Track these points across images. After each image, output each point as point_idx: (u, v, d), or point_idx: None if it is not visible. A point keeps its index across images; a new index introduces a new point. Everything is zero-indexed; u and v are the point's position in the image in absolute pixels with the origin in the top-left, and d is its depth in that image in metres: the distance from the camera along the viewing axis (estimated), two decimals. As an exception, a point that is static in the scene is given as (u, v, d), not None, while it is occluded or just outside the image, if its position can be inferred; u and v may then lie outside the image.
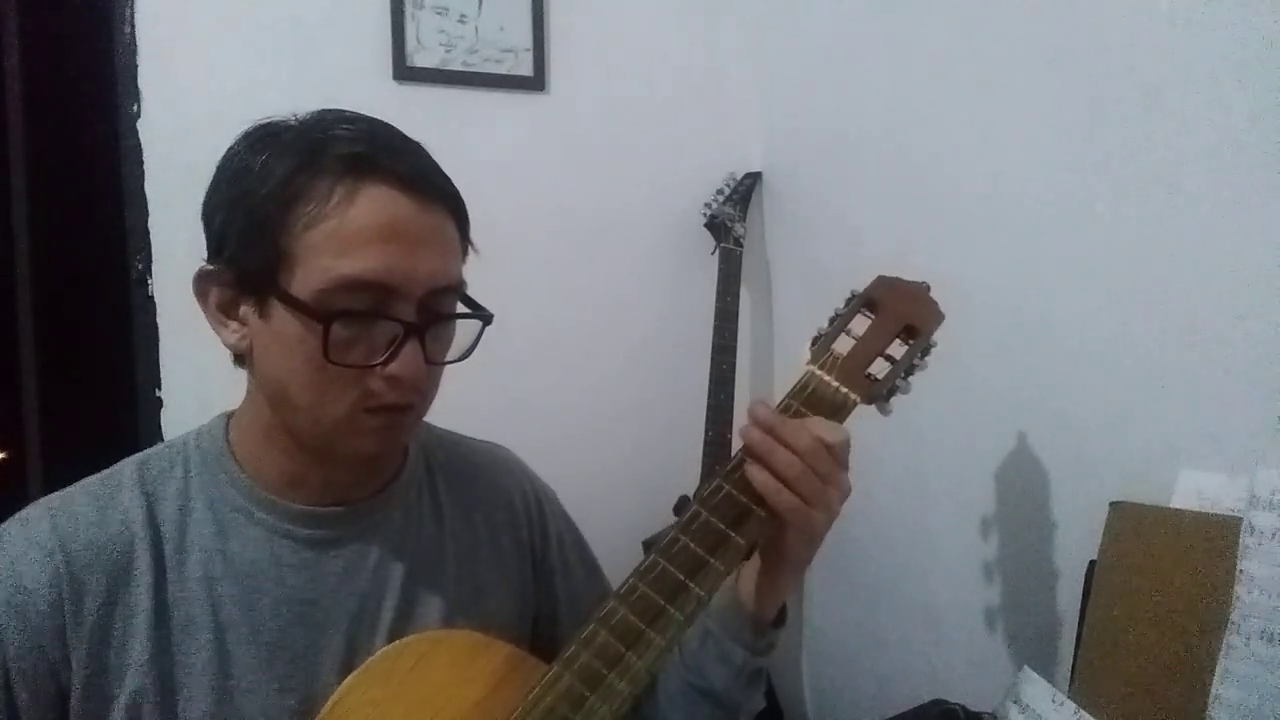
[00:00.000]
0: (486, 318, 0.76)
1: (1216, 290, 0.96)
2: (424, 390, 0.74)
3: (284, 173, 0.68)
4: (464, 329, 0.77)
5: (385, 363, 0.69)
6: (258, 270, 0.69)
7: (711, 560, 0.69)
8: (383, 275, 0.68)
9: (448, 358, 0.75)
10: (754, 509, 0.71)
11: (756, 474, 0.71)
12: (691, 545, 0.70)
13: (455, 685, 0.74)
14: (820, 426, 0.73)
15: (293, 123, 0.72)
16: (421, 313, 0.70)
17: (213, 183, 0.73)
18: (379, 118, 0.75)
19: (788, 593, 0.78)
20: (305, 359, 0.69)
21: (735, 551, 0.70)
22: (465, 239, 0.76)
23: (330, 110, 0.73)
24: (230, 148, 0.73)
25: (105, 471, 0.78)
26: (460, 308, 0.76)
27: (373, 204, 0.68)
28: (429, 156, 0.74)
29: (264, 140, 0.71)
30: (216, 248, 0.73)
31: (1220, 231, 0.95)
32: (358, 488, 0.80)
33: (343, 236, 0.67)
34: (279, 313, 0.69)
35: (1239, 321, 0.93)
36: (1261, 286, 0.91)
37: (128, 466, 0.78)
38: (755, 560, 0.77)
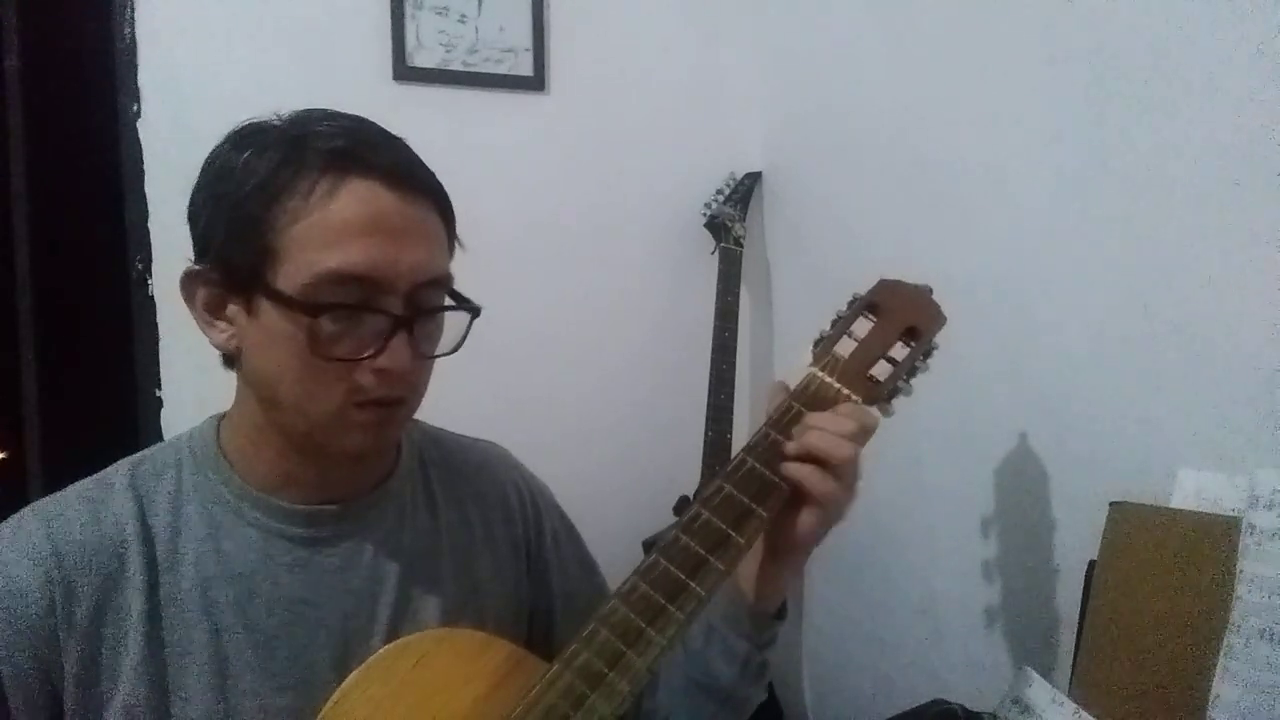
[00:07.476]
0: (474, 310, 0.76)
1: (1216, 290, 0.96)
2: (413, 384, 0.74)
3: (266, 170, 0.69)
4: (454, 325, 0.77)
5: (374, 356, 0.69)
6: (244, 268, 0.69)
7: (712, 560, 0.69)
8: (367, 268, 0.68)
9: (437, 351, 0.75)
10: (755, 509, 0.71)
11: (798, 469, 0.72)
12: (693, 545, 0.70)
13: (457, 684, 0.74)
14: (855, 412, 0.74)
15: (276, 122, 0.72)
16: (408, 306, 0.71)
17: (197, 183, 0.73)
18: (378, 117, 0.75)
19: (789, 583, 0.79)
20: (293, 355, 0.69)
21: (736, 551, 0.70)
22: (451, 233, 0.76)
23: (313, 109, 0.74)
24: (214, 148, 0.73)
25: (98, 475, 0.77)
26: (449, 302, 0.76)
27: (355, 198, 0.68)
28: (412, 151, 0.74)
29: (246, 139, 0.72)
30: (202, 248, 0.73)
31: (1220, 231, 0.95)
32: (351, 485, 0.80)
33: (326, 230, 0.67)
34: (266, 310, 0.69)
35: (1238, 321, 0.94)
36: (1261, 286, 0.91)
37: (120, 469, 0.78)
38: (756, 554, 0.77)
